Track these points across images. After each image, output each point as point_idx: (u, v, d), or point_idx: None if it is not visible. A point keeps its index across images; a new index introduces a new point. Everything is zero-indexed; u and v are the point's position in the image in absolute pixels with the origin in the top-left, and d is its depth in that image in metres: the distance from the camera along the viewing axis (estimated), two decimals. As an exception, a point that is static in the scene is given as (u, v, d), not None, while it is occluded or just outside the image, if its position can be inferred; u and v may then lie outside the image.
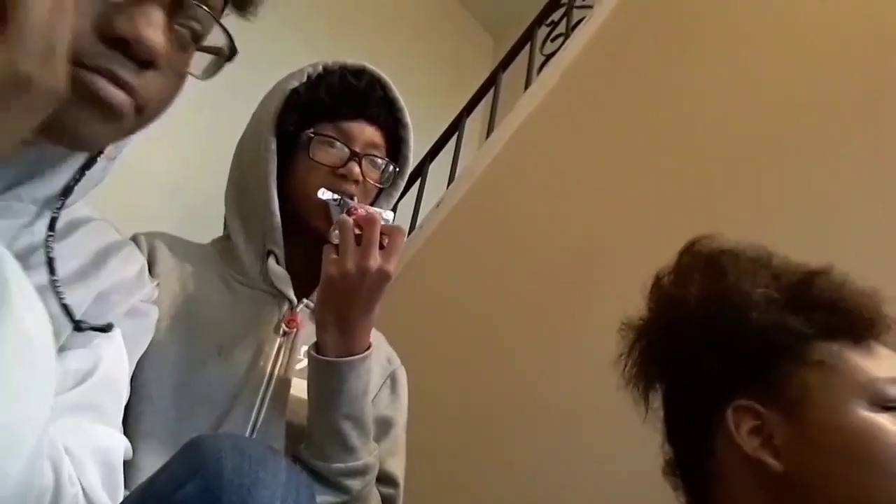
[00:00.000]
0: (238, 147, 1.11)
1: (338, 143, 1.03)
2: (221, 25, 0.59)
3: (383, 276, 0.90)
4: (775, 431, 0.71)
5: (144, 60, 0.51)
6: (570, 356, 1.58)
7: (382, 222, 0.93)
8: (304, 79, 1.05)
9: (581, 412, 1.48)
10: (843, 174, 1.38)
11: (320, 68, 1.06)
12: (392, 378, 1.10)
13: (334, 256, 0.91)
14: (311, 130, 1.03)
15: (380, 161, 1.07)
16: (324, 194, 0.98)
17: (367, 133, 1.05)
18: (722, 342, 0.75)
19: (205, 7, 0.56)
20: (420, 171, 2.89)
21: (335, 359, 0.90)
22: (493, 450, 1.65)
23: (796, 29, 1.72)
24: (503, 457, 1.62)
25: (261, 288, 1.02)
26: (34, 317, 0.44)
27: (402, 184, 1.13)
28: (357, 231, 0.91)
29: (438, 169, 2.85)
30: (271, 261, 1.01)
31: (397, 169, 1.09)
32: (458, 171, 2.60)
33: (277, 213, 1.01)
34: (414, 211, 2.70)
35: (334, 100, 1.05)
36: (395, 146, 1.11)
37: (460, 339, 1.94)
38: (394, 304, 2.17)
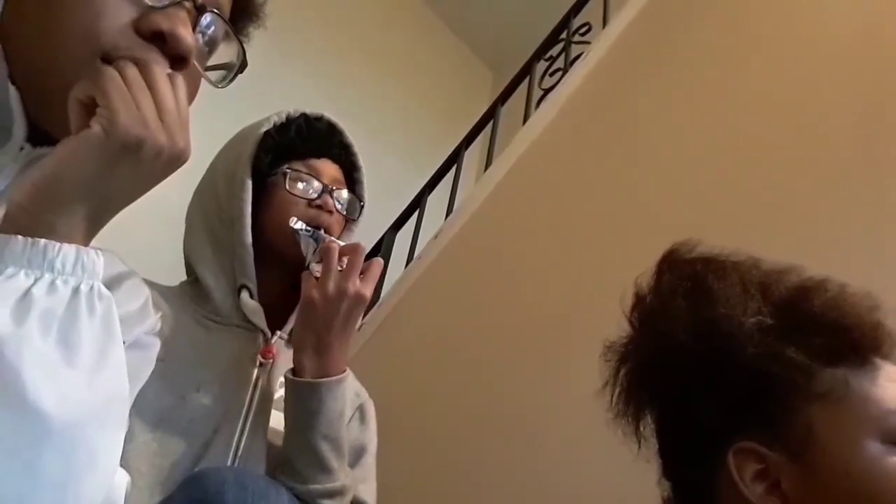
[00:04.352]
0: (202, 194, 1.15)
1: (310, 178, 1.10)
2: (236, 35, 0.63)
3: (360, 300, 0.96)
4: (782, 476, 0.65)
5: (178, 55, 0.56)
6: (568, 387, 1.58)
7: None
8: (271, 125, 1.12)
9: (579, 442, 1.47)
10: (842, 206, 1.40)
11: (284, 117, 1.14)
12: (361, 410, 1.13)
13: (315, 280, 0.97)
14: (286, 167, 1.10)
15: (346, 194, 1.14)
16: (295, 223, 1.04)
17: (332, 170, 1.14)
18: (717, 379, 0.70)
19: (223, 18, 0.61)
20: (419, 203, 2.91)
21: (314, 380, 0.94)
22: (487, 479, 1.64)
23: (792, 63, 1.75)
24: (496, 487, 1.61)
25: (235, 324, 1.05)
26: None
27: (360, 219, 1.19)
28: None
29: (437, 200, 2.87)
30: (244, 295, 1.05)
31: (363, 203, 1.17)
32: (456, 202, 2.61)
33: (251, 247, 1.05)
34: (412, 241, 2.71)
35: (303, 140, 1.14)
36: (351, 186, 1.19)
37: (457, 368, 1.94)
38: (392, 334, 2.19)
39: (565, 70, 2.67)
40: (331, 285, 0.94)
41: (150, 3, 0.55)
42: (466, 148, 3.01)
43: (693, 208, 1.65)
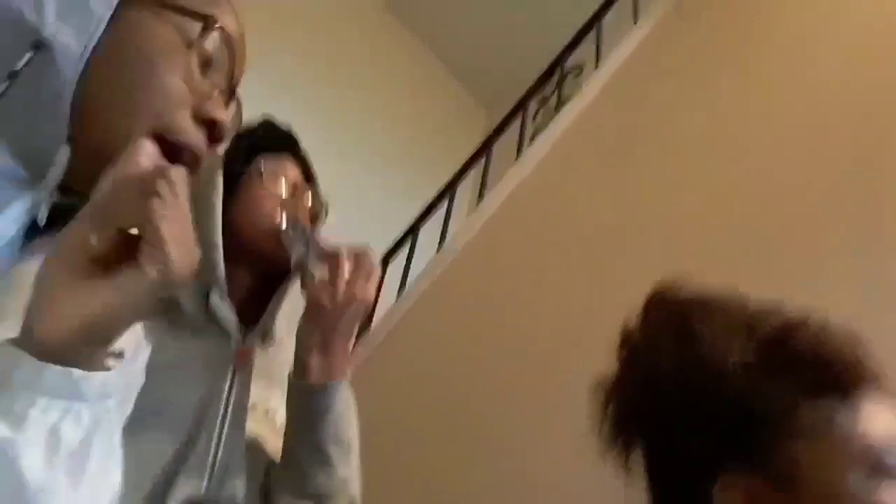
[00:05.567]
0: None
1: (283, 174, 1.11)
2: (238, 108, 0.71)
3: (365, 305, 0.96)
4: None
5: (219, 138, 0.64)
6: (558, 419, 1.58)
7: None
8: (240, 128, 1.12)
9: (568, 473, 1.47)
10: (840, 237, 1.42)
11: (247, 125, 1.14)
12: None
13: (322, 282, 0.95)
14: (260, 161, 1.10)
15: (312, 195, 1.14)
16: (282, 218, 1.04)
17: (297, 171, 1.14)
18: (702, 415, 0.70)
19: (239, 102, 0.70)
20: (411, 234, 2.92)
21: (323, 382, 0.93)
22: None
23: (791, 96, 1.78)
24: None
25: (204, 326, 1.02)
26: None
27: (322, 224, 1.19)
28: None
29: (429, 233, 2.89)
30: (214, 296, 1.02)
31: (327, 207, 1.16)
32: (448, 235, 2.63)
33: (221, 247, 1.04)
34: (403, 273, 2.72)
35: (271, 137, 1.15)
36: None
37: (447, 401, 1.93)
38: (381, 365, 2.18)
39: (558, 108, 2.72)
40: (341, 291, 0.94)
41: (203, 90, 0.62)
42: (459, 182, 3.04)
43: (685, 247, 1.67)
